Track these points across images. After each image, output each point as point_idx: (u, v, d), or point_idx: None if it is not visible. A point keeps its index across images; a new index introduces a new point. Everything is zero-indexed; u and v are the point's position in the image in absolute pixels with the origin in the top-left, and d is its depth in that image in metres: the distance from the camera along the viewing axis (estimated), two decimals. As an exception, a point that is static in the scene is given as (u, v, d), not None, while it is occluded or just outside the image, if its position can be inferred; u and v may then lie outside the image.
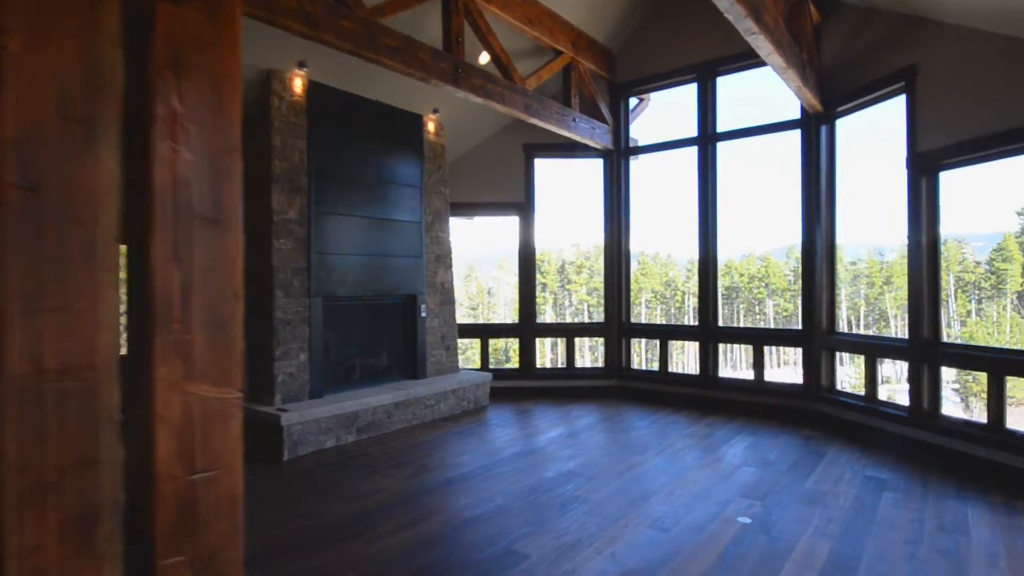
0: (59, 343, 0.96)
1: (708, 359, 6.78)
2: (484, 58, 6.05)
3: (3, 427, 0.89)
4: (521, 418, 6.32)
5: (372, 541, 3.31)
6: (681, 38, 6.91)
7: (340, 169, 5.66)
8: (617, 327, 7.49)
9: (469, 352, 7.62)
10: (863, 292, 32.21)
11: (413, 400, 5.93)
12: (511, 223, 7.60)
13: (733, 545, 3.21)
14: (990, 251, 29.00)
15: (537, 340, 7.67)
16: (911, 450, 4.85)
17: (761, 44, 4.25)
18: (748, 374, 6.86)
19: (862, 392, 5.70)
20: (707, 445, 5.19)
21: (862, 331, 29.43)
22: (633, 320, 7.53)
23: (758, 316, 34.37)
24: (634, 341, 7.69)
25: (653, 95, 8.15)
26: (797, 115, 6.19)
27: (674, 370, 7.69)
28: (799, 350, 6.24)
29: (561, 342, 7.14)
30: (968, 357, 4.89)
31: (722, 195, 6.82)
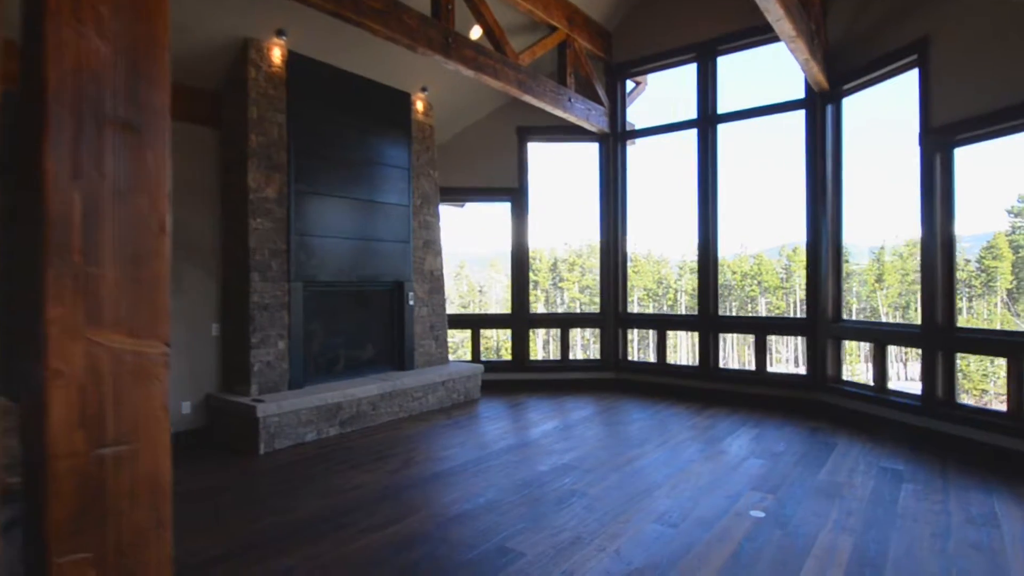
0: None
1: (708, 349, 6.51)
2: (476, 32, 5.74)
3: None
4: (514, 411, 6.02)
5: (349, 539, 3.00)
6: (680, 16, 6.64)
7: (322, 147, 5.34)
8: (614, 317, 7.21)
9: (460, 352, 7.31)
10: (855, 290, 32.27)
11: (400, 392, 5.61)
12: (504, 222, 7.30)
13: (748, 540, 2.93)
14: (980, 249, 29.11)
15: (530, 333, 7.37)
16: (925, 440, 4.60)
17: (771, 7, 3.99)
18: (744, 367, 6.59)
19: (867, 381, 5.46)
20: (710, 437, 4.92)
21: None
22: (630, 311, 7.24)
23: (751, 314, 34.27)
24: (629, 336, 7.41)
25: (650, 80, 7.89)
26: (801, 94, 5.95)
27: (672, 361, 7.40)
28: (791, 348, 5.99)
29: (555, 341, 6.81)
30: (986, 342, 4.65)
31: (719, 188, 6.55)
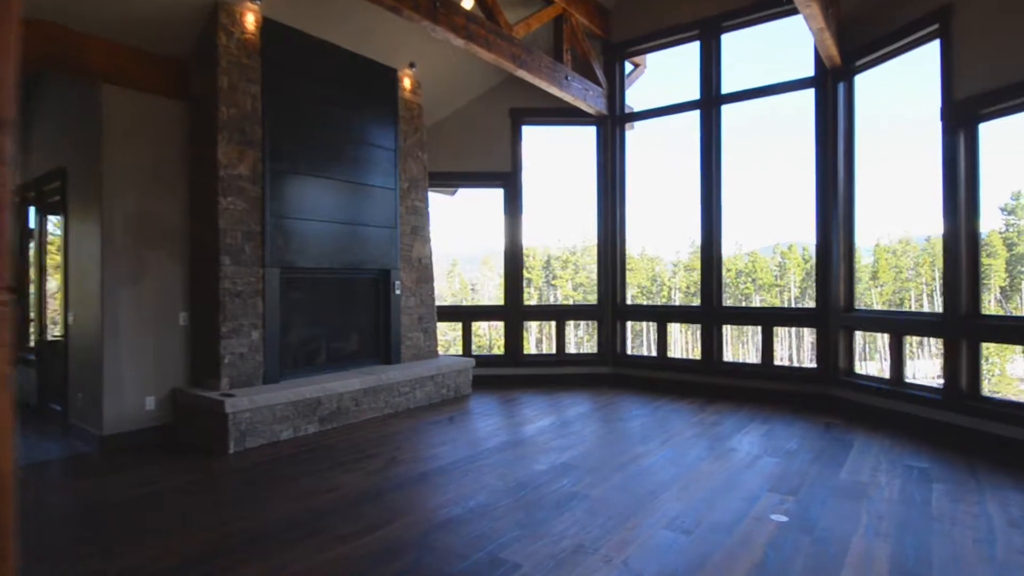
0: None
1: (711, 342, 6.19)
2: (468, 2, 5.38)
3: None
4: (507, 407, 5.67)
5: (323, 547, 2.63)
6: (682, -9, 6.31)
7: (301, 122, 4.96)
8: (612, 309, 6.88)
9: (454, 349, 6.93)
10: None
11: (385, 386, 5.24)
12: (497, 218, 6.93)
13: (772, 549, 2.60)
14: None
15: (524, 327, 7.02)
16: (949, 436, 4.29)
17: (788, -36, 3.65)
18: (738, 361, 6.27)
19: (883, 374, 5.16)
20: (716, 434, 4.59)
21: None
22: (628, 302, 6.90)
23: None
24: (628, 330, 7.08)
25: (650, 63, 7.57)
26: (811, 72, 5.63)
27: (673, 355, 7.09)
28: (785, 344, 5.68)
29: (548, 339, 6.43)
30: (1018, 330, 4.34)
31: (723, 172, 6.22)
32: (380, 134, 5.66)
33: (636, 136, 6.98)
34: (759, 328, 6.02)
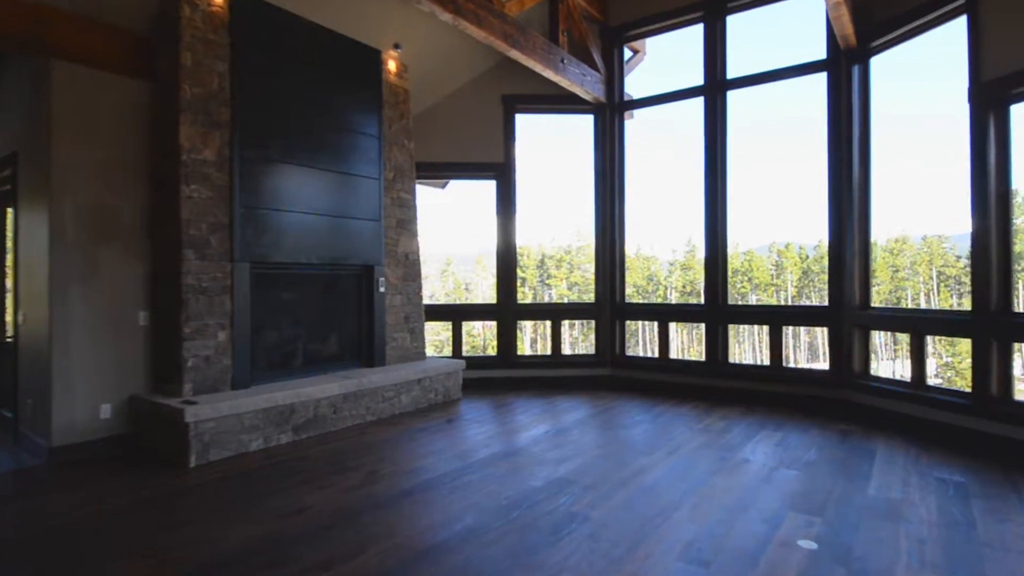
0: None
1: (717, 343, 5.83)
2: (455, -23, 4.99)
3: None
4: (499, 412, 5.29)
5: (279, 588, 2.25)
6: (685, -29, 5.95)
7: (275, 105, 4.56)
8: (610, 307, 6.51)
9: (448, 351, 6.56)
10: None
11: (367, 391, 4.85)
12: (490, 214, 6.53)
13: (806, 585, 2.23)
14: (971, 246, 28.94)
15: (517, 327, 6.64)
16: (979, 445, 3.95)
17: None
18: (738, 362, 5.91)
19: (902, 376, 4.82)
20: (726, 443, 4.23)
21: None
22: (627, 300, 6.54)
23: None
24: (626, 331, 6.71)
25: (650, 49, 7.21)
26: (823, 54, 5.29)
27: (673, 356, 6.72)
28: (783, 343, 5.33)
29: (543, 340, 6.04)
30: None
31: (728, 161, 5.86)
32: (363, 120, 5.26)
33: (631, 132, 6.60)
34: (755, 327, 5.67)
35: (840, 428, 4.60)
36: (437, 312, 6.62)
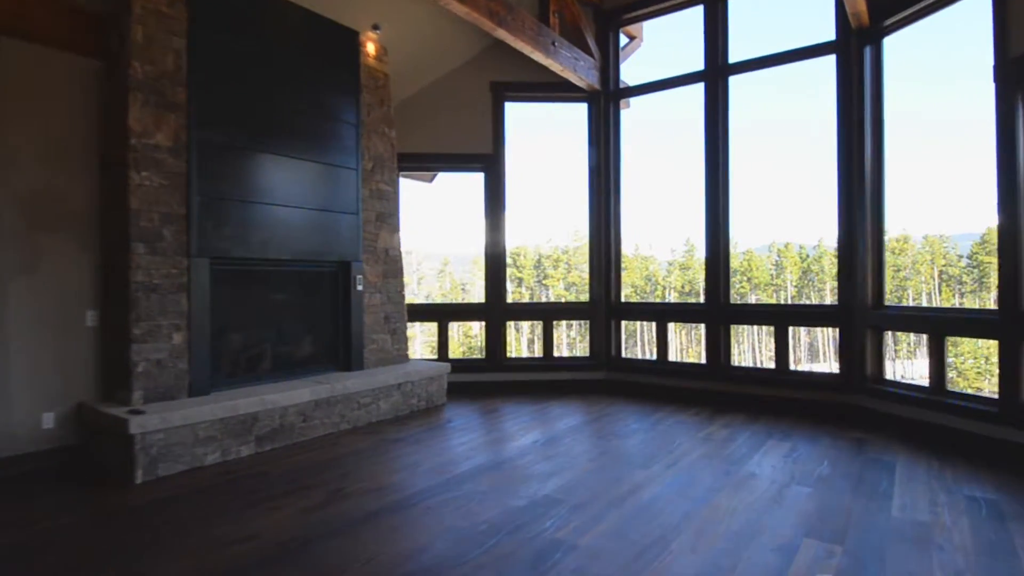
0: None
1: (719, 344, 5.47)
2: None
3: None
4: (486, 419, 4.93)
5: (202, 640, 1.88)
6: (684, -51, 5.60)
7: (240, 88, 4.20)
8: (605, 307, 6.15)
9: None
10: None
11: (341, 397, 4.48)
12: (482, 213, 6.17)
13: (832, 637, 1.87)
14: (972, 245, 28.67)
15: (512, 328, 6.28)
16: (1006, 457, 3.59)
17: None
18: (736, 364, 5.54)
19: (921, 381, 4.47)
20: (731, 455, 3.87)
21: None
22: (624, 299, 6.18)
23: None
24: (622, 332, 6.35)
25: (647, 36, 6.86)
26: (832, 36, 4.94)
27: (672, 359, 6.35)
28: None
29: (541, 338, 5.72)
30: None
31: (731, 151, 5.50)
32: (339, 105, 4.90)
33: (628, 128, 6.25)
34: (756, 328, 5.31)
35: (853, 437, 4.24)
36: (421, 312, 6.26)
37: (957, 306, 28.70)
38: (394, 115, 5.56)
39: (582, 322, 6.01)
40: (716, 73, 5.46)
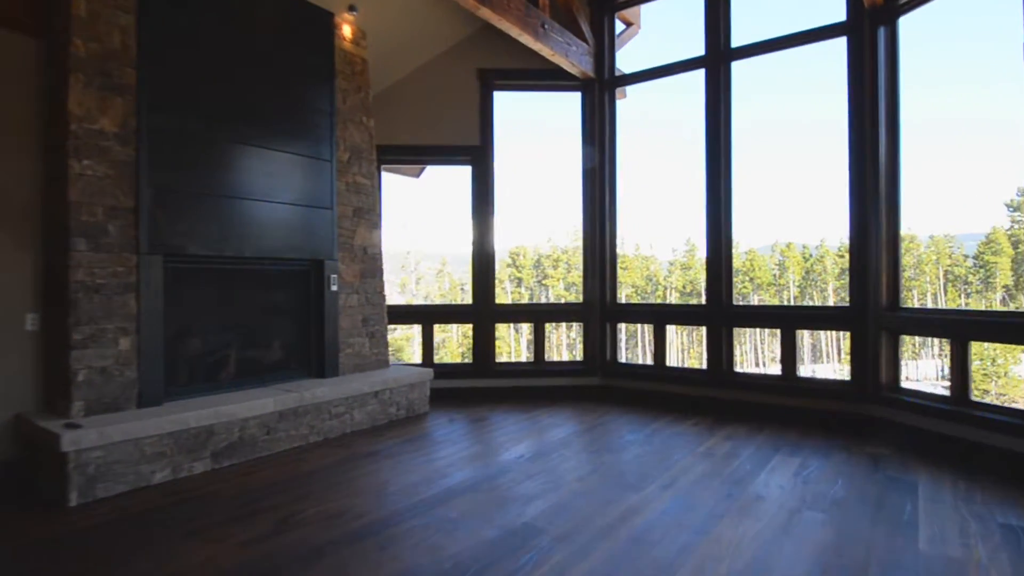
0: None
1: (720, 348, 5.11)
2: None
3: None
4: (470, 430, 4.57)
5: None
6: (684, -74, 5.24)
7: (198, 70, 3.85)
8: (600, 309, 5.79)
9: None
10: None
11: (310, 407, 4.13)
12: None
13: None
14: (978, 244, 28.22)
15: (508, 331, 5.91)
16: (1044, 478, 3.23)
17: None
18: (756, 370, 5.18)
19: (942, 390, 4.11)
20: (734, 472, 3.51)
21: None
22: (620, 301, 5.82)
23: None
24: (619, 333, 5.99)
25: (644, 21, 6.49)
26: (842, 16, 4.58)
27: (672, 363, 5.98)
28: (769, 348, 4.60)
29: (528, 341, 5.36)
30: None
31: (733, 140, 5.15)
32: (311, 92, 4.55)
33: (627, 124, 5.89)
34: (758, 330, 4.95)
35: (868, 451, 3.88)
36: (404, 314, 5.91)
37: (965, 307, 28.26)
38: (373, 104, 5.21)
39: (581, 324, 5.65)
40: (718, 58, 5.10)
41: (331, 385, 4.34)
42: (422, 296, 39.55)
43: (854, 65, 4.50)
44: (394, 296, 38.87)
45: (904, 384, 4.39)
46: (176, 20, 3.73)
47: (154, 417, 3.32)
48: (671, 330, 29.54)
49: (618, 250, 5.99)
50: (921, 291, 29.23)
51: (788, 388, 4.74)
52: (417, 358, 6.17)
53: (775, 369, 4.89)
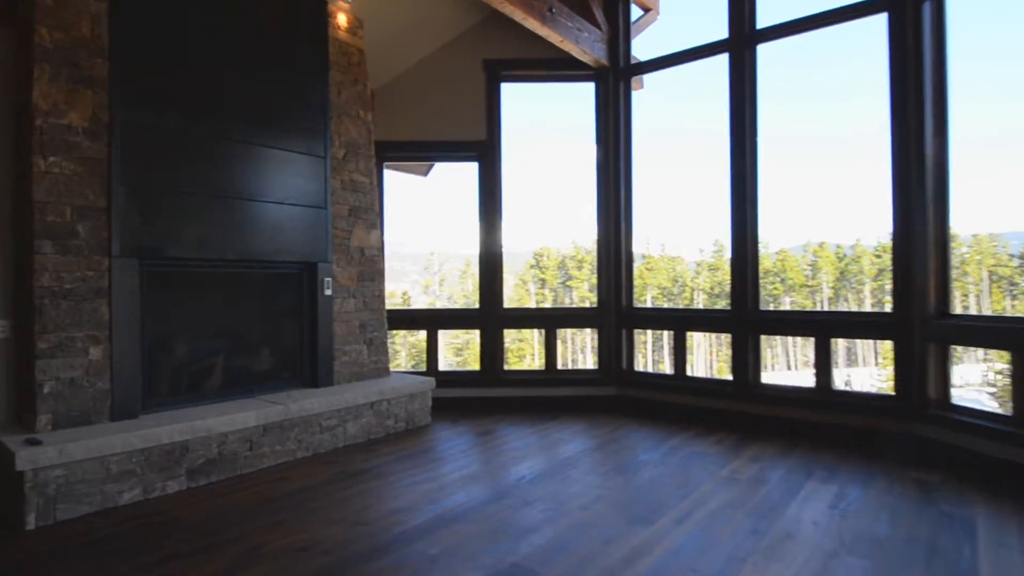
0: None
1: (746, 357, 4.68)
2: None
3: None
4: (472, 445, 4.25)
5: None
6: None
7: (178, 60, 3.62)
8: (615, 313, 5.42)
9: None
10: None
11: (298, 420, 3.86)
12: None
13: None
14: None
15: (504, 336, 5.58)
16: None
17: None
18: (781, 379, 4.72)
19: (987, 397, 3.61)
20: (761, 503, 3.11)
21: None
22: (637, 305, 5.44)
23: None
24: (637, 339, 5.61)
25: (663, 6, 6.09)
26: (883, -9, 4.12)
27: (697, 373, 5.56)
28: (782, 354, 4.14)
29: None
30: None
31: (759, 132, 4.72)
32: (303, 84, 4.30)
33: (648, 118, 5.52)
34: (784, 338, 4.49)
35: (915, 478, 3.43)
36: (405, 319, 5.63)
37: (1012, 309, 26.83)
38: (372, 98, 4.94)
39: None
40: (742, 42, 4.69)
41: (322, 396, 4.07)
42: (446, 298, 39.48)
43: (895, 45, 4.04)
44: (418, 297, 38.87)
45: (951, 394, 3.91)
46: (153, 7, 3.50)
47: (122, 432, 3.08)
48: (697, 336, 28.78)
49: (644, 250, 5.64)
50: (963, 292, 27.84)
51: (822, 403, 4.30)
52: (443, 366, 5.88)
53: (808, 373, 4.43)
